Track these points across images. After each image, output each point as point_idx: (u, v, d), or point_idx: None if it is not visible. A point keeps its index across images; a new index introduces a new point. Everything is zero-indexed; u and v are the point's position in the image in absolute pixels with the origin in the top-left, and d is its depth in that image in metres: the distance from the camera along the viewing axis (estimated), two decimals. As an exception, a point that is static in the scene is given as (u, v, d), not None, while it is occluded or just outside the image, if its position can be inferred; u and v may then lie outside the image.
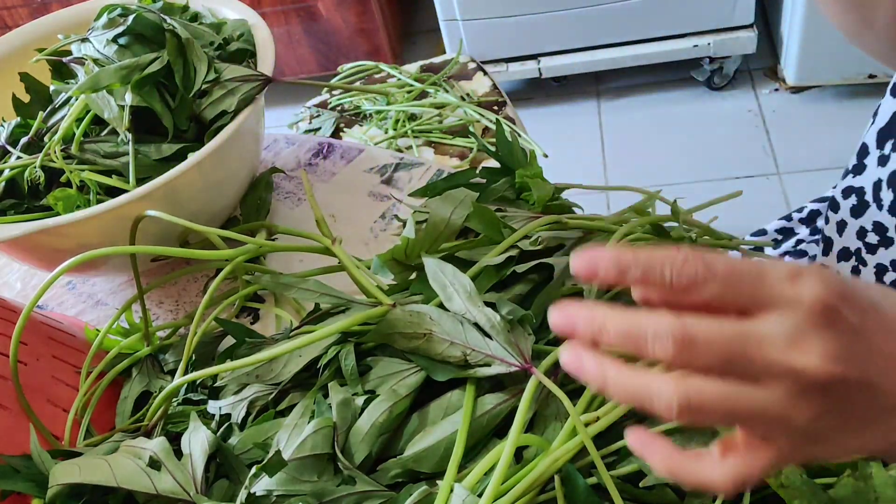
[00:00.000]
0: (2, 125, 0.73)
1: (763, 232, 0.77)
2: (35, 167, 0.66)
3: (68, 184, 0.66)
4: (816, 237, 0.66)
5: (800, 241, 0.73)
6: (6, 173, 0.67)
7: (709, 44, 1.94)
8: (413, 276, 0.55)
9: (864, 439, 0.31)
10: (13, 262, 0.79)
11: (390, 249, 0.53)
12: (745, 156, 1.84)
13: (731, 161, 1.84)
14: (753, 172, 1.82)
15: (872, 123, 0.56)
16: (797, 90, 1.94)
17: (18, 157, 0.68)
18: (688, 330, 0.29)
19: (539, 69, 2.06)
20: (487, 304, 0.50)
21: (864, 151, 0.57)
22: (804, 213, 0.75)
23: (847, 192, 0.58)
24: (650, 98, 2.05)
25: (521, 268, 0.51)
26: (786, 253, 0.74)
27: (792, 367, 0.28)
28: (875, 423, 0.31)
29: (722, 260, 0.29)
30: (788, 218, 0.76)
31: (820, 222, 0.65)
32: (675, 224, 0.57)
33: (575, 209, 0.63)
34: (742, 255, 0.70)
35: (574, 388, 0.48)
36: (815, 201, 0.76)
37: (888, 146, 0.54)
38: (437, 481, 0.44)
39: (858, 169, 0.57)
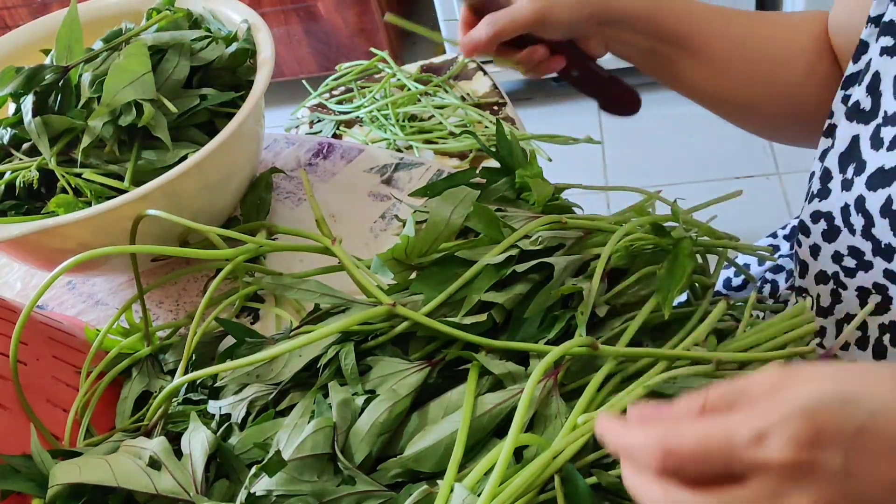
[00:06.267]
0: (4, 127, 0.73)
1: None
2: (31, 170, 0.66)
3: (72, 187, 0.66)
4: (793, 252, 0.67)
5: (781, 256, 0.75)
6: (7, 175, 0.67)
7: (709, 44, 1.93)
8: (413, 275, 0.55)
9: None
10: (13, 262, 0.79)
11: (390, 249, 0.53)
12: (745, 156, 1.84)
13: (731, 161, 1.84)
14: (753, 172, 1.82)
15: (832, 147, 0.56)
16: (797, 90, 1.94)
17: (20, 160, 0.68)
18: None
19: (539, 69, 2.05)
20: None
21: (827, 176, 0.57)
22: (787, 230, 0.76)
23: (815, 216, 0.58)
24: (650, 98, 2.04)
25: (521, 267, 0.51)
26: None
27: None
28: None
29: (689, 438, 0.30)
30: (774, 235, 0.77)
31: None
32: (676, 224, 0.57)
33: (575, 209, 0.63)
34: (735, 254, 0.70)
35: (574, 388, 0.48)
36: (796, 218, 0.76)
37: (850, 170, 0.54)
38: (438, 481, 0.44)
39: (824, 193, 0.57)
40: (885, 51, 0.51)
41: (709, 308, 0.54)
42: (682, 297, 0.62)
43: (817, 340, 0.61)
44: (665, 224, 0.56)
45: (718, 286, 0.78)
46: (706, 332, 0.50)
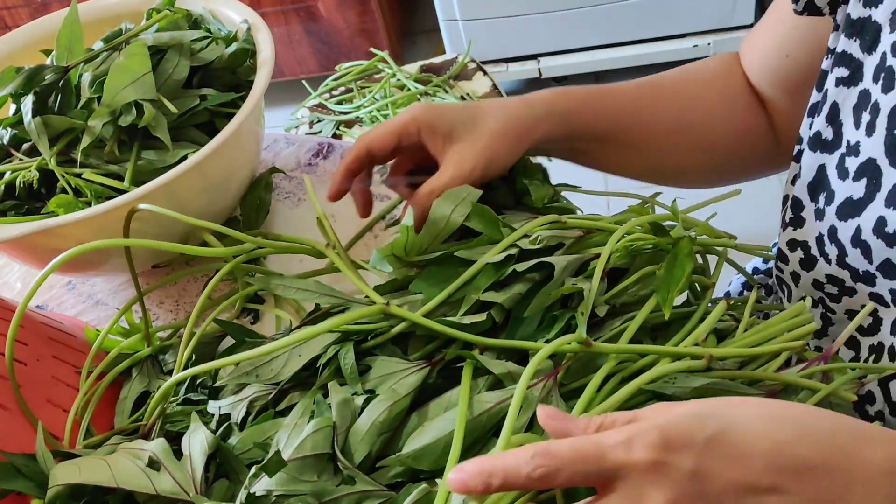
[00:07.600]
0: (4, 127, 0.73)
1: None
2: (31, 170, 0.66)
3: (72, 187, 0.66)
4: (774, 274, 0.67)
5: (758, 273, 0.76)
6: (7, 175, 0.67)
7: (709, 44, 1.94)
8: (412, 272, 0.55)
9: None
10: (13, 262, 0.80)
11: (390, 244, 0.53)
12: (745, 155, 1.84)
13: (732, 161, 1.84)
14: (753, 172, 1.82)
15: (799, 177, 0.57)
16: (797, 90, 1.94)
17: (20, 160, 0.68)
18: None
19: (539, 69, 2.06)
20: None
21: (797, 205, 0.57)
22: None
23: (792, 244, 0.59)
24: (650, 98, 2.05)
25: (520, 266, 0.51)
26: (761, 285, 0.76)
27: None
28: None
29: (566, 446, 0.35)
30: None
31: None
32: (675, 223, 0.57)
33: (575, 210, 0.64)
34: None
35: (574, 388, 0.48)
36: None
37: (821, 200, 0.55)
38: (437, 480, 0.44)
39: (797, 222, 0.58)
40: (840, 81, 0.52)
41: (709, 308, 0.54)
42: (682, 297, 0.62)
43: None
44: (664, 223, 0.56)
45: None
46: (706, 332, 0.50)
